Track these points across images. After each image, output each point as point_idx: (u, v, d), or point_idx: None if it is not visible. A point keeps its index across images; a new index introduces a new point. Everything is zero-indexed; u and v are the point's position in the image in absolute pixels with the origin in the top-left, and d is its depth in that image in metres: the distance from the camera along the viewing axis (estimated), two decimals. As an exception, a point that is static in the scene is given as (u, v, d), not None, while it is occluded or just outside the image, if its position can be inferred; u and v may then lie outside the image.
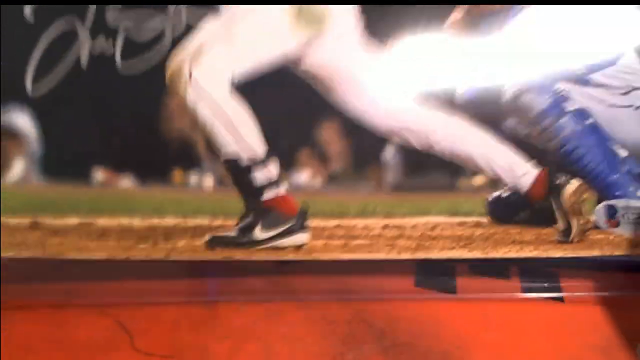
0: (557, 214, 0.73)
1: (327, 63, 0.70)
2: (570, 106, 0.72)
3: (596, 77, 0.72)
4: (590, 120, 0.72)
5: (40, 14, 0.64)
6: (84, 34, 0.64)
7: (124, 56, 0.65)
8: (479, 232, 0.72)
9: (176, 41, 0.66)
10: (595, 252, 0.71)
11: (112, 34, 0.65)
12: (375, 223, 0.73)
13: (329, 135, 0.73)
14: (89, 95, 0.66)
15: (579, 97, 0.72)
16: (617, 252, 0.71)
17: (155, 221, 0.70)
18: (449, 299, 0.68)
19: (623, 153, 0.72)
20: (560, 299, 0.69)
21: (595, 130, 0.72)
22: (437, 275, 0.69)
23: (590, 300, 0.68)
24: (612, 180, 0.72)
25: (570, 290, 0.69)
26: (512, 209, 0.75)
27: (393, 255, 0.69)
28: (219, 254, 0.66)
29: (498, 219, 0.74)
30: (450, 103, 0.72)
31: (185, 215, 0.71)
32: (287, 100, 0.69)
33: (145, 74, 0.66)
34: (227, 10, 0.67)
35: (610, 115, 0.72)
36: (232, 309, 0.64)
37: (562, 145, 0.72)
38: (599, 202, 0.72)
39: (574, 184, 0.72)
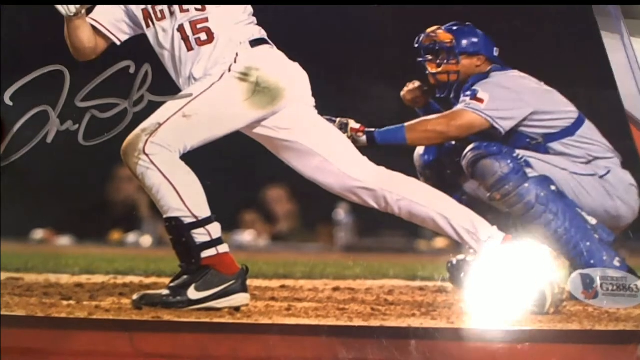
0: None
1: (278, 130, 0.70)
2: (531, 173, 0.69)
3: (555, 145, 0.71)
4: (553, 187, 0.68)
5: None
6: (53, 117, 0.68)
7: (87, 131, 0.68)
8: (442, 299, 0.65)
9: (137, 119, 0.69)
10: (573, 326, 0.63)
11: (79, 114, 0.68)
12: (324, 285, 0.67)
13: (276, 197, 0.69)
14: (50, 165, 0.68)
15: (540, 165, 0.69)
16: (598, 327, 0.62)
17: (84, 278, 0.66)
18: None
19: (592, 221, 0.68)
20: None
21: (561, 196, 0.68)
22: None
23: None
24: (585, 248, 0.66)
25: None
26: (478, 274, 0.68)
27: (344, 322, 0.62)
28: (147, 314, 0.61)
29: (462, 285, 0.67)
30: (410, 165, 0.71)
31: (117, 273, 0.67)
32: (233, 163, 0.69)
33: (103, 144, 0.68)
34: (186, 89, 0.70)
35: (575, 184, 0.68)
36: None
37: (527, 210, 0.68)
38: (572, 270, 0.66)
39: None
